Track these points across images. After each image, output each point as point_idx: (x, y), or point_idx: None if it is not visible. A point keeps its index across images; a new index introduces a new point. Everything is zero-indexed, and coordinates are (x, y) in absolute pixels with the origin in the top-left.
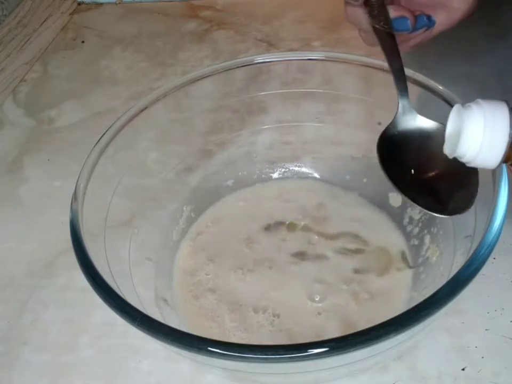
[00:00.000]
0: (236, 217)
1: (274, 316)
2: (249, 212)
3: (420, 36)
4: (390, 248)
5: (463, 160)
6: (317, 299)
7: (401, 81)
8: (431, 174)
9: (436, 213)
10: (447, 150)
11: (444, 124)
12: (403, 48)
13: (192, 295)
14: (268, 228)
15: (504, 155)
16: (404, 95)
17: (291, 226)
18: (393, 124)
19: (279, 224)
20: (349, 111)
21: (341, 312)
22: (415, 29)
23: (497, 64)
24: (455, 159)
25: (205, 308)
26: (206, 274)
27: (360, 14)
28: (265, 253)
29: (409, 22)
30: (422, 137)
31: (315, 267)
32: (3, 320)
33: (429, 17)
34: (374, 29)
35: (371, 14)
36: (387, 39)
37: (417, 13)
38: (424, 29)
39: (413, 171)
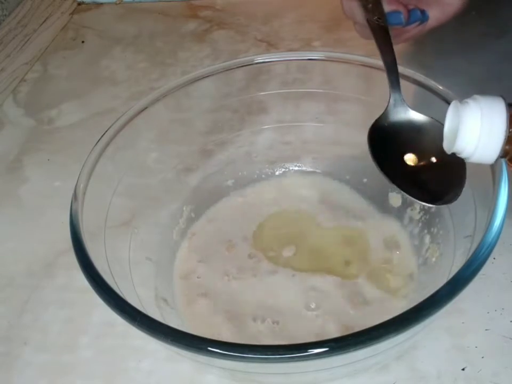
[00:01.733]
0: (229, 218)
1: (274, 323)
2: (244, 213)
3: (413, 30)
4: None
5: (462, 155)
6: (312, 307)
7: (393, 75)
8: (420, 165)
9: (425, 202)
10: (446, 146)
11: (434, 118)
12: (396, 42)
13: (187, 300)
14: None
15: (501, 150)
16: (395, 88)
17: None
18: (384, 115)
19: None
20: (349, 111)
21: (340, 317)
22: (408, 23)
23: (497, 63)
24: (445, 153)
25: (199, 313)
26: (198, 277)
27: (356, 8)
28: (245, 259)
29: (403, 16)
30: (412, 129)
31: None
32: (3, 320)
33: (422, 12)
34: (368, 22)
35: (366, 8)
36: (381, 32)
37: (410, 7)
38: (417, 23)
39: (402, 162)
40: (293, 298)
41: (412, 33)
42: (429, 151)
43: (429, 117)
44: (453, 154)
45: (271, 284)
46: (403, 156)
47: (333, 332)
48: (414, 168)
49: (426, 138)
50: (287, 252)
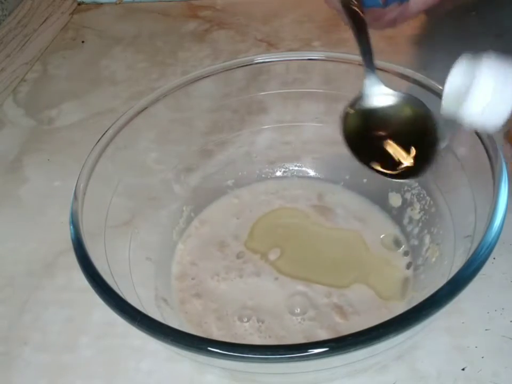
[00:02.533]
0: (224, 218)
1: (259, 322)
2: (239, 212)
3: (393, 12)
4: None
5: (466, 117)
6: (297, 311)
7: (368, 57)
8: (394, 141)
9: (395, 178)
10: (447, 107)
11: (409, 93)
12: (378, 27)
13: (179, 300)
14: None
15: (508, 116)
16: (371, 68)
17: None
18: (360, 96)
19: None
20: None
21: (329, 324)
22: (386, 3)
23: None
24: (419, 128)
25: (191, 313)
26: (192, 279)
27: None
28: (234, 259)
29: None
30: (388, 107)
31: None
32: (3, 320)
33: None
34: (345, 6)
35: None
36: (357, 16)
37: None
38: (397, 3)
39: (376, 140)
40: (276, 302)
41: (392, 16)
42: (405, 128)
43: (405, 93)
44: (447, 122)
45: (255, 285)
46: (378, 135)
47: (322, 332)
48: (387, 144)
49: (401, 114)
50: (273, 255)
